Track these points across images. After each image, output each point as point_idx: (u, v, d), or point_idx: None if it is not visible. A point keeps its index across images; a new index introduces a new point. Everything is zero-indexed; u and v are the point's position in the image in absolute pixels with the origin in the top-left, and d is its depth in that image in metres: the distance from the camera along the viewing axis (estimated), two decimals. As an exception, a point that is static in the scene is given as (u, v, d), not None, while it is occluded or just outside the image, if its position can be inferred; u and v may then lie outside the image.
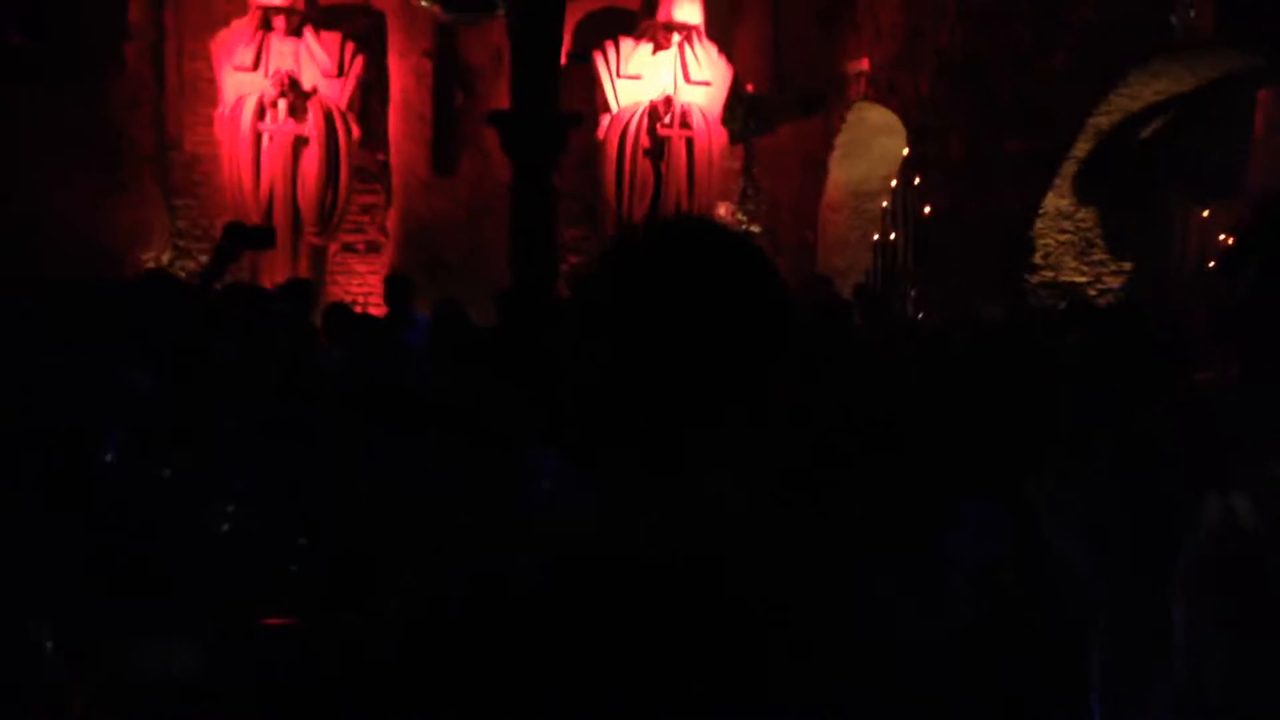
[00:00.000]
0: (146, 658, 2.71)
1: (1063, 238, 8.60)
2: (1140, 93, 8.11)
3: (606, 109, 9.89)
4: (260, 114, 9.35)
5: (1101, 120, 8.24)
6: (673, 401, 0.99)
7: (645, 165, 9.93)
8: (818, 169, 10.36)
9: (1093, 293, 8.53)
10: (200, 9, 9.62)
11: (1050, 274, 8.62)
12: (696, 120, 9.95)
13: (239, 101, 9.35)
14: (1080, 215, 8.52)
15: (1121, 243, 8.59)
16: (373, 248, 9.97)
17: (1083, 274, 8.64)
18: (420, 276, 7.96)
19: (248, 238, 4.02)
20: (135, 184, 9.28)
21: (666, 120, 9.92)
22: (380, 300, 7.53)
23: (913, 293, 9.19)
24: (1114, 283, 8.66)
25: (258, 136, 9.34)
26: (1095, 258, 8.60)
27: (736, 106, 10.28)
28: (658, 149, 9.96)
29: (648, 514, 1.00)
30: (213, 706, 2.74)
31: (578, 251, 10.14)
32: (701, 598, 0.96)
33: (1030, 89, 8.44)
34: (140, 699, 2.63)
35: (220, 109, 9.40)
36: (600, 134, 9.84)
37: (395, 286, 6.93)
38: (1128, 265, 8.67)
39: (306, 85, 9.41)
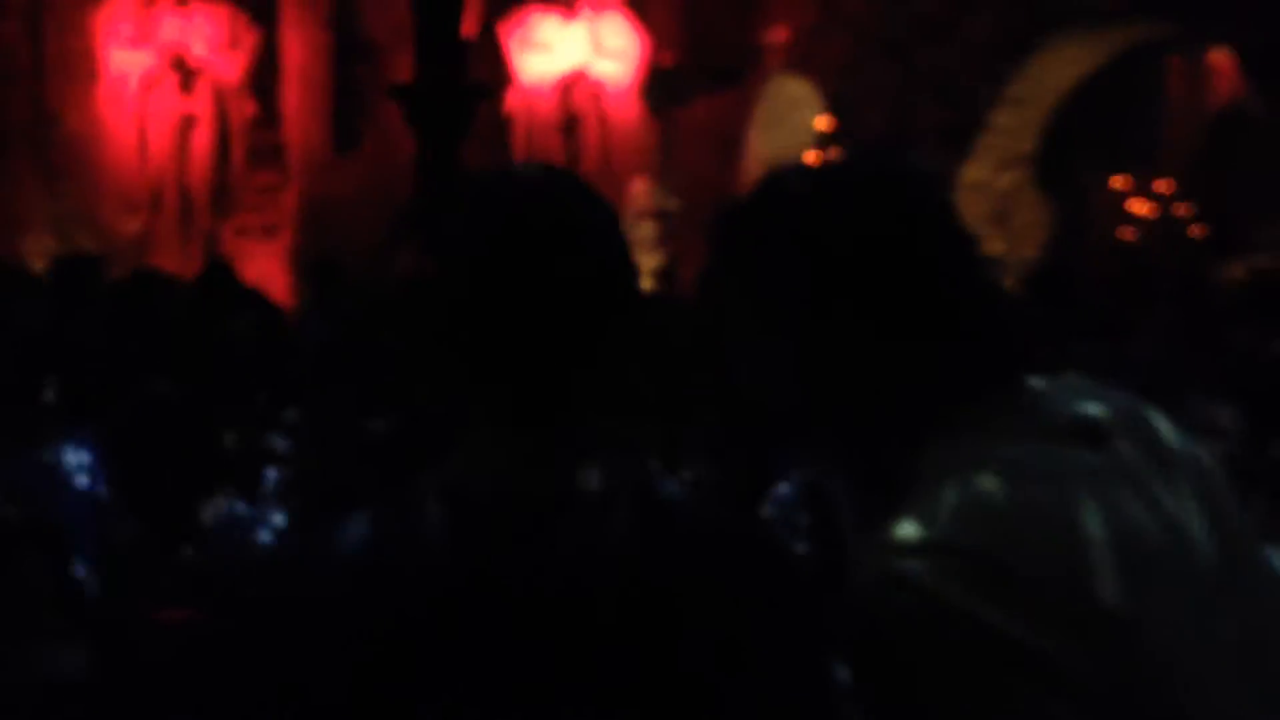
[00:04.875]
0: (30, 659, 2.48)
1: (980, 208, 8.55)
2: (1054, 61, 8.08)
3: (515, 83, 9.58)
4: (146, 91, 8.89)
5: (1017, 90, 8.20)
6: (553, 343, 0.98)
7: (556, 141, 9.64)
8: (736, 143, 10.18)
9: (1011, 261, 8.50)
10: (80, -20, 9.08)
11: (969, 245, 8.56)
12: (610, 94, 9.70)
13: (123, 78, 8.87)
14: (997, 185, 8.47)
15: (1039, 212, 8.58)
16: (270, 230, 9.54)
17: (1000, 244, 8.60)
18: (322, 259, 7.59)
19: None
20: (12, 165, 8.75)
21: (578, 94, 9.65)
22: (280, 285, 7.18)
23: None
24: (1031, 252, 8.64)
25: (144, 115, 8.88)
26: (1013, 227, 8.56)
27: (651, 80, 10.04)
28: (569, 124, 9.68)
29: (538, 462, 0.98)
30: (103, 708, 2.52)
31: (489, 231, 9.84)
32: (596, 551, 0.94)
33: (947, 59, 8.36)
34: (24, 703, 2.45)
35: (103, 86, 8.91)
36: (508, 109, 9.53)
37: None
38: (1044, 234, 8.66)
39: (195, 61, 8.95)
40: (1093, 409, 0.89)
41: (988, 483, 0.82)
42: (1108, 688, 0.78)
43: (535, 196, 1.00)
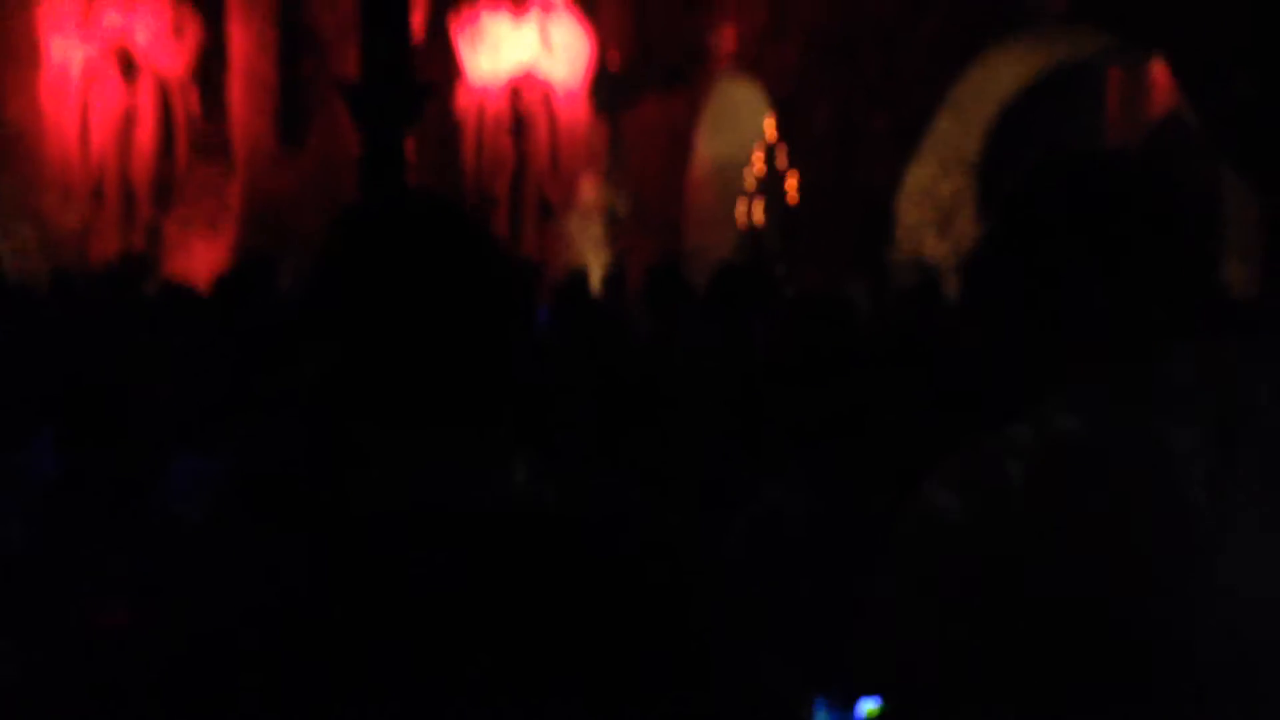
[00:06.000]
0: None
1: (923, 213, 8.64)
2: (998, 68, 8.18)
3: (464, 81, 9.56)
4: (88, 82, 8.77)
5: (959, 95, 8.29)
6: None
7: (505, 140, 9.64)
8: (684, 144, 10.21)
9: (953, 266, 8.59)
10: (21, -32, 8.93)
11: (912, 249, 8.66)
12: (558, 94, 9.70)
13: (65, 68, 8.74)
14: (941, 190, 8.57)
15: (981, 217, 8.68)
16: (214, 224, 9.46)
17: (943, 248, 8.70)
18: (266, 255, 7.52)
19: None
20: (-52, 156, 8.60)
21: (527, 94, 9.65)
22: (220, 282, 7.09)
23: (780, 271, 9.14)
24: (975, 258, 8.75)
25: (86, 106, 8.76)
26: (956, 232, 8.66)
27: (600, 80, 10.05)
28: (518, 124, 9.68)
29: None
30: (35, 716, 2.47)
31: (437, 229, 9.80)
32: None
33: (895, 63, 8.43)
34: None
35: (45, 75, 8.78)
36: (457, 108, 9.51)
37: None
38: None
39: (139, 53, 8.85)
40: (1226, 397, 1.01)
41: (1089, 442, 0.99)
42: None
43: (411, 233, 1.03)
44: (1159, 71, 9.49)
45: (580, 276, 6.21)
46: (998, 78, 8.26)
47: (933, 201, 8.59)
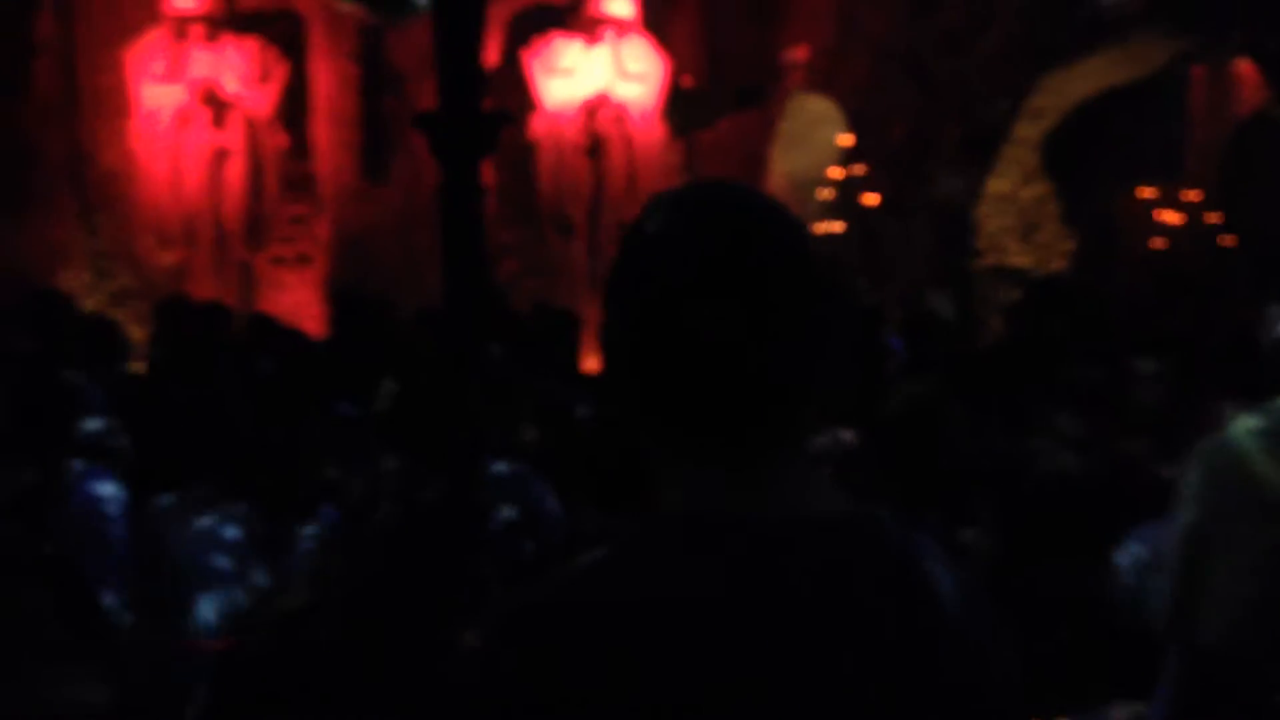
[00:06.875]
0: (42, 692, 2.47)
1: (1005, 221, 8.53)
2: (1075, 73, 8.06)
3: (539, 108, 9.69)
4: (179, 126, 9.06)
5: (1039, 101, 8.19)
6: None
7: (582, 164, 9.73)
8: (759, 162, 10.21)
9: (1037, 275, 8.46)
10: (112, 19, 9.26)
11: (994, 259, 8.54)
12: (633, 116, 9.77)
13: (156, 114, 9.04)
14: (1022, 197, 8.46)
15: (1065, 224, 8.54)
16: (303, 260, 9.69)
17: (1027, 257, 8.57)
18: (355, 287, 7.71)
19: None
20: (48, 201, 8.94)
21: (602, 118, 9.73)
22: (314, 315, 7.31)
23: (861, 285, 9.09)
24: (1058, 264, 8.61)
25: (178, 149, 9.05)
26: (1039, 240, 8.54)
27: (673, 101, 10.11)
28: (594, 147, 9.76)
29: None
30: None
31: (517, 254, 9.92)
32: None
33: (967, 73, 8.36)
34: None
35: (137, 122, 9.09)
36: (533, 134, 9.63)
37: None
38: (1071, 246, 8.62)
39: (227, 95, 9.12)
40: None
41: None
42: None
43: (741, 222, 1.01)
44: (1245, 67, 9.26)
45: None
46: (1076, 81, 8.14)
47: (1014, 209, 8.48)
